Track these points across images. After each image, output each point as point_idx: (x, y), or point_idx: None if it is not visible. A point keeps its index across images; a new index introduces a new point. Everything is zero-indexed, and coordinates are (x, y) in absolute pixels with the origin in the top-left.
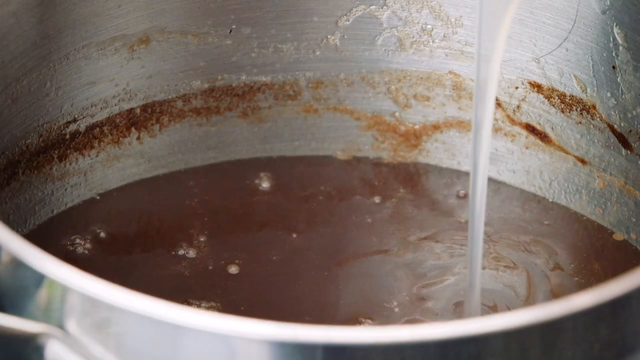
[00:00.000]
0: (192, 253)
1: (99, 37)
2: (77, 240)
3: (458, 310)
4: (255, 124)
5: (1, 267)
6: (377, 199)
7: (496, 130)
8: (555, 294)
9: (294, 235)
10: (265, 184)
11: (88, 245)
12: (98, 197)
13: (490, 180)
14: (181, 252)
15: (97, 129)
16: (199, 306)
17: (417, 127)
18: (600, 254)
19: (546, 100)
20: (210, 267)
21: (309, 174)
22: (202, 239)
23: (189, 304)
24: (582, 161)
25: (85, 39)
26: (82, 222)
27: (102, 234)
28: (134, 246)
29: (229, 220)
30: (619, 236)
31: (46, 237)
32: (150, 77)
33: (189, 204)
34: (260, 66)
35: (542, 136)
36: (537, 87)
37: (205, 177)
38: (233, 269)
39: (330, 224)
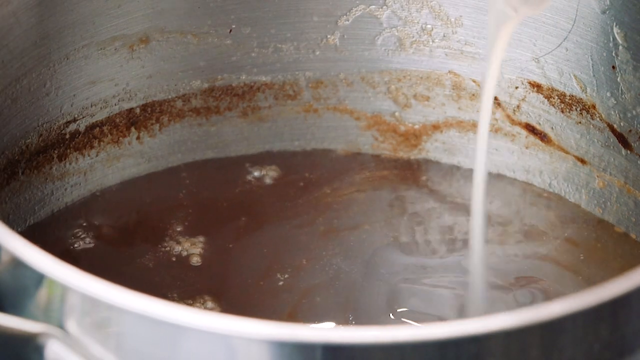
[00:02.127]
0: (168, 246)
1: (99, 37)
2: (65, 236)
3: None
4: (255, 124)
5: (1, 267)
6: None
7: (496, 130)
8: (554, 287)
9: (268, 228)
10: (254, 178)
11: (78, 240)
12: (98, 193)
13: (491, 178)
14: (156, 245)
15: (97, 128)
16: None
17: (417, 127)
18: (601, 246)
19: (546, 100)
20: (174, 259)
21: (303, 169)
22: (179, 229)
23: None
24: (582, 161)
25: (85, 39)
26: (72, 217)
27: (94, 229)
28: (120, 241)
29: (212, 213)
30: (620, 229)
31: (44, 232)
32: (150, 77)
33: (177, 197)
34: (260, 66)
35: (542, 136)
36: (537, 87)
37: (198, 171)
38: (195, 260)
39: (317, 216)
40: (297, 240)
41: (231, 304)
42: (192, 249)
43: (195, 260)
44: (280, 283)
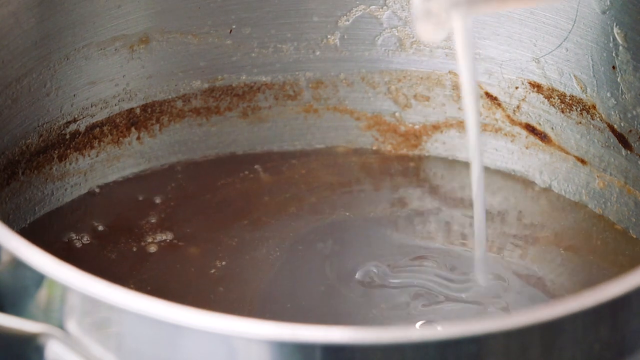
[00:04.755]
0: (149, 245)
1: (99, 37)
2: (64, 236)
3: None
4: (255, 124)
5: (1, 267)
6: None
7: (496, 130)
8: (552, 285)
9: (245, 222)
10: (248, 175)
11: (75, 240)
12: (97, 189)
13: (491, 177)
14: (129, 238)
15: (97, 129)
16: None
17: (417, 127)
18: (601, 242)
19: (546, 100)
20: (135, 249)
21: (300, 166)
22: (153, 221)
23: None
24: (582, 161)
25: (85, 39)
26: (71, 217)
27: (87, 228)
28: (107, 238)
29: (195, 207)
30: (620, 227)
31: (44, 232)
32: (150, 77)
33: (165, 191)
34: (260, 66)
35: (542, 136)
36: (537, 87)
37: (194, 168)
38: (152, 247)
39: (295, 209)
40: (264, 231)
41: (157, 293)
42: (157, 240)
43: (152, 250)
44: (212, 271)
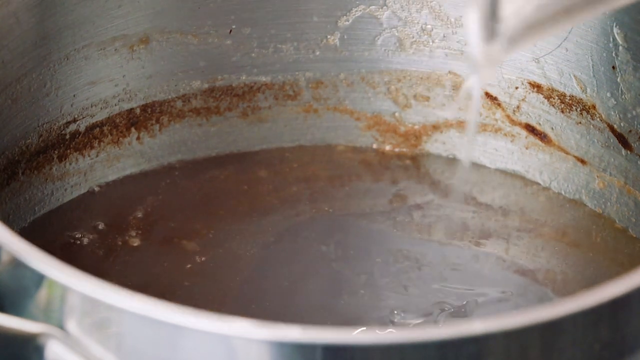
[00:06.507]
0: (132, 239)
1: (99, 37)
2: (64, 236)
3: None
4: (255, 124)
5: (1, 267)
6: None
7: (496, 130)
8: (552, 284)
9: (225, 215)
10: (244, 173)
11: (76, 239)
12: (96, 189)
13: (491, 176)
14: (118, 239)
15: (97, 129)
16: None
17: (417, 127)
18: (601, 239)
19: (546, 100)
20: (120, 243)
21: (297, 164)
22: (139, 216)
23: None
24: (582, 161)
25: (85, 39)
26: (71, 217)
27: (86, 227)
28: (104, 237)
29: (185, 205)
30: (620, 226)
31: (44, 232)
32: (150, 77)
33: (159, 186)
34: (260, 66)
35: (542, 136)
36: (537, 87)
37: (192, 166)
38: (135, 241)
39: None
40: (247, 224)
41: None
42: (141, 235)
43: (136, 244)
44: (188, 266)
